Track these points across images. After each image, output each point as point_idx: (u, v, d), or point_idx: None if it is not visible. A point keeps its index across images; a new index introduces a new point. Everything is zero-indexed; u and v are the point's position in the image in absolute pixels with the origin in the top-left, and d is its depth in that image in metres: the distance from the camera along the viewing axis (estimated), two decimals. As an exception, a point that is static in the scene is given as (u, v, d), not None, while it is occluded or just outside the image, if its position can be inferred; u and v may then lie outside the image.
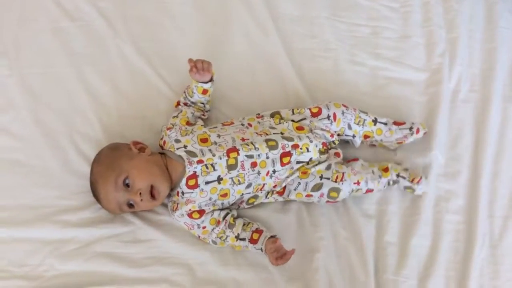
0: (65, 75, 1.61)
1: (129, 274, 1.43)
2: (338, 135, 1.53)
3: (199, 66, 1.43)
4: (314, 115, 1.50)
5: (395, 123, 1.57)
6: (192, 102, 1.53)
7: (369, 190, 1.51)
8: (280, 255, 1.34)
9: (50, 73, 1.61)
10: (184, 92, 1.53)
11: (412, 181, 1.53)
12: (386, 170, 1.53)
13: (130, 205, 1.38)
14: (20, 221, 1.46)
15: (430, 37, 1.72)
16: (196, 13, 1.70)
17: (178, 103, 1.55)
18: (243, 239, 1.42)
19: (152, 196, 1.37)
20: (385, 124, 1.56)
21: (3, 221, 1.45)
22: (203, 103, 1.53)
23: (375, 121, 1.54)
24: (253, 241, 1.41)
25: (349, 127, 1.52)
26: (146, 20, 1.68)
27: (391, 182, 1.54)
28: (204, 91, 1.50)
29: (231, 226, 1.43)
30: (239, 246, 1.44)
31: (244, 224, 1.44)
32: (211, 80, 1.49)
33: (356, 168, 1.50)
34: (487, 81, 1.69)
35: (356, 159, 1.56)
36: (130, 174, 1.35)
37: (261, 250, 1.40)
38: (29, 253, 1.43)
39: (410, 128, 1.56)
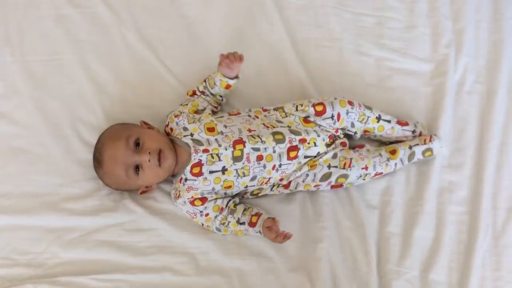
0: (68, 63, 1.61)
1: (132, 263, 1.44)
2: (341, 129, 1.53)
3: (231, 58, 1.41)
4: (318, 114, 1.48)
5: (398, 122, 1.56)
6: (211, 94, 1.51)
7: (378, 174, 1.51)
8: (275, 233, 1.34)
9: (53, 60, 1.61)
10: (205, 81, 1.51)
11: (424, 142, 1.52)
12: (393, 152, 1.52)
13: (136, 170, 1.37)
14: (23, 209, 1.46)
15: (436, 28, 1.71)
16: (201, 1, 1.69)
17: (194, 93, 1.52)
18: (243, 223, 1.42)
19: (159, 161, 1.36)
20: (389, 122, 1.54)
21: (6, 209, 1.46)
22: (221, 96, 1.53)
23: (378, 118, 1.53)
24: (252, 224, 1.41)
25: (352, 125, 1.51)
26: (150, 8, 1.67)
27: (406, 161, 1.52)
28: (228, 86, 1.49)
29: (232, 211, 1.44)
30: (240, 231, 1.44)
31: (244, 209, 1.45)
32: (236, 77, 1.48)
33: (363, 153, 1.50)
34: (492, 73, 1.67)
35: (362, 146, 1.55)
36: (141, 136, 1.38)
37: (260, 232, 1.40)
38: (32, 241, 1.44)
39: (413, 131, 1.56)
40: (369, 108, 1.53)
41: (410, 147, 1.52)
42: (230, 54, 1.42)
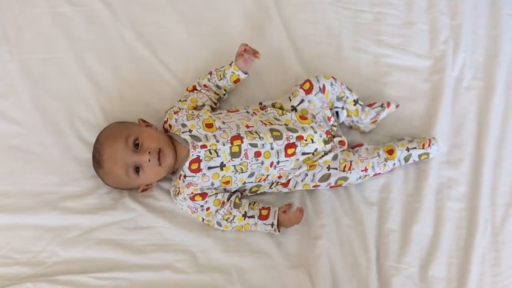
0: (66, 61, 1.60)
1: (131, 261, 1.43)
2: (330, 109, 1.53)
3: (250, 51, 1.43)
4: (307, 92, 1.49)
5: (368, 104, 1.58)
6: (217, 86, 1.52)
7: (377, 174, 1.51)
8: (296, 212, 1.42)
9: (51, 59, 1.60)
10: (210, 73, 1.52)
11: (423, 147, 1.52)
12: (391, 152, 1.52)
13: (136, 170, 1.37)
14: (22, 208, 1.46)
15: (434, 24, 1.71)
16: (199, -1, 1.69)
17: (194, 88, 1.53)
18: (252, 217, 1.43)
19: (159, 161, 1.36)
20: (362, 106, 1.56)
21: (5, 208, 1.46)
22: (226, 90, 1.53)
23: (355, 102, 1.54)
24: (262, 217, 1.42)
25: (338, 99, 1.53)
26: (148, 5, 1.66)
27: (402, 161, 1.53)
28: (237, 80, 1.50)
29: (237, 205, 1.44)
30: (246, 225, 1.44)
31: (250, 203, 1.45)
32: (246, 72, 1.49)
33: (362, 154, 1.50)
34: (490, 69, 1.67)
35: (360, 145, 1.55)
36: (140, 136, 1.37)
37: (271, 225, 1.41)
38: (31, 239, 1.44)
39: (381, 105, 1.56)
40: (350, 90, 1.54)
41: (408, 149, 1.52)
42: (250, 48, 1.44)
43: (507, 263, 1.50)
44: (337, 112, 1.56)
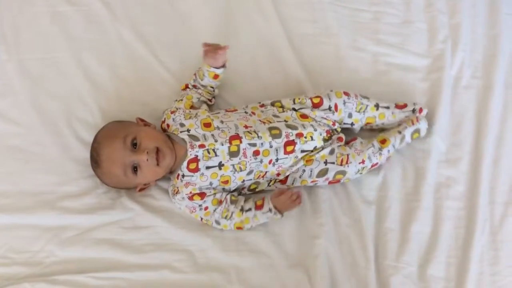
0: (64, 60, 1.60)
1: (129, 261, 1.43)
2: (338, 123, 1.53)
3: (211, 49, 1.43)
4: (315, 105, 1.49)
5: (397, 106, 1.56)
6: (202, 85, 1.52)
7: (374, 165, 1.51)
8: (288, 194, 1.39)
9: (49, 58, 1.60)
10: (195, 74, 1.52)
11: (412, 123, 1.53)
12: (383, 141, 1.51)
13: (134, 170, 1.37)
14: (20, 208, 1.46)
15: (433, 23, 1.71)
16: (197, -3, 1.69)
17: (186, 86, 1.53)
18: (249, 210, 1.42)
19: (157, 160, 1.36)
20: (388, 108, 1.55)
21: (3, 208, 1.45)
22: (212, 87, 1.53)
23: (377, 106, 1.53)
24: (258, 207, 1.42)
25: (349, 116, 1.51)
26: (146, 5, 1.67)
27: (397, 144, 1.52)
28: (215, 76, 1.49)
29: (233, 201, 1.44)
30: (246, 219, 1.43)
31: (245, 199, 1.45)
32: (223, 66, 1.49)
33: (358, 147, 1.50)
34: (489, 68, 1.67)
35: (354, 139, 1.54)
36: (138, 135, 1.37)
37: (270, 210, 1.41)
38: (29, 239, 1.43)
39: (413, 110, 1.55)
40: (366, 98, 1.53)
41: (400, 132, 1.52)
42: (213, 46, 1.43)
43: (506, 262, 1.49)
44: (350, 130, 1.55)
